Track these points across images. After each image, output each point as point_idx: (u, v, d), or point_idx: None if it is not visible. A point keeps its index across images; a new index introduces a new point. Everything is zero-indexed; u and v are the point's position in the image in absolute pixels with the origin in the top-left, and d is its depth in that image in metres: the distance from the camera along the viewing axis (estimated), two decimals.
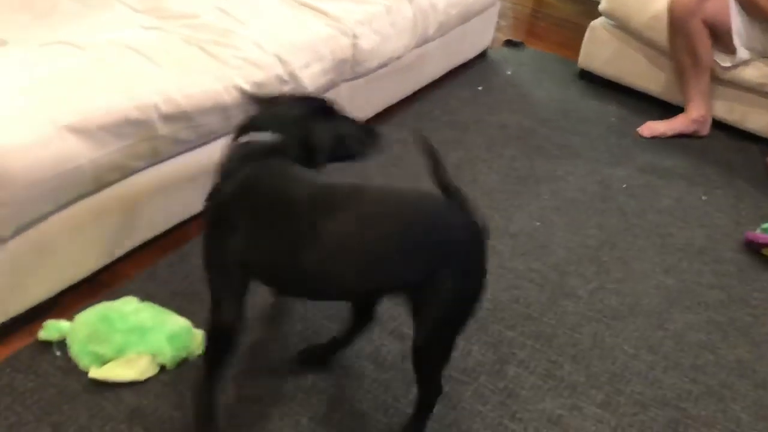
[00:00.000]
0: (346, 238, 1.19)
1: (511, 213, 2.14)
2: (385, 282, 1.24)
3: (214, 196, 1.29)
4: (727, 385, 1.67)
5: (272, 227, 1.21)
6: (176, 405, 1.43)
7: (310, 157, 1.32)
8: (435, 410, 1.48)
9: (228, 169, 1.29)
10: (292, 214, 1.21)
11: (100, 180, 1.54)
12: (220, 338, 1.29)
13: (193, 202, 1.85)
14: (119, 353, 1.45)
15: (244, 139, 1.33)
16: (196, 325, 1.58)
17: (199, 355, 1.53)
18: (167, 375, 1.49)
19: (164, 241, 1.83)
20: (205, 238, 1.29)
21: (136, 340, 1.47)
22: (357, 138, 1.40)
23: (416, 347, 1.27)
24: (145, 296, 1.63)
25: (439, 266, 1.20)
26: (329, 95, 2.13)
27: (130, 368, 1.45)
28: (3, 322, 1.52)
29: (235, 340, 1.29)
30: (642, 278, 1.97)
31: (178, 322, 1.55)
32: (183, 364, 1.51)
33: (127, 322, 1.49)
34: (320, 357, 1.56)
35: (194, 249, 1.80)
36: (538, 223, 2.11)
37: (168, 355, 1.48)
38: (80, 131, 1.45)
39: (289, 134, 1.31)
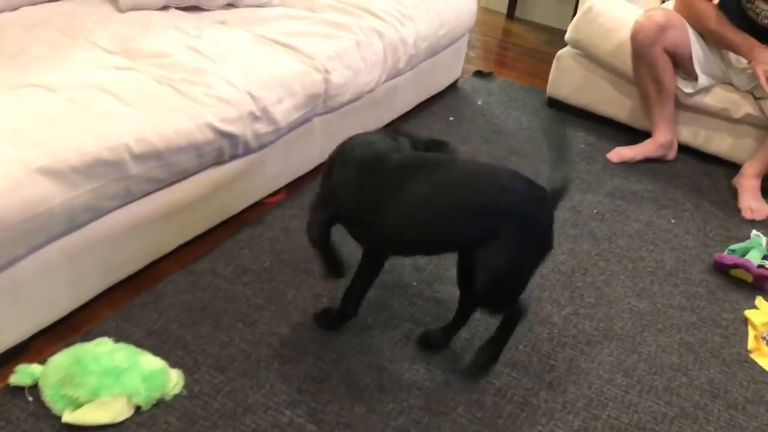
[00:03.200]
0: (421, 199, 1.45)
1: None
2: (450, 240, 1.50)
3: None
4: (701, 406, 1.69)
5: (363, 182, 1.50)
6: None
7: None
8: None
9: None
10: (380, 174, 1.49)
11: (72, 221, 1.54)
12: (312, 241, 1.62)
13: (168, 240, 1.87)
14: (93, 396, 1.44)
15: None
16: (172, 364, 1.58)
17: (175, 395, 1.53)
18: (142, 416, 1.48)
19: (138, 279, 1.82)
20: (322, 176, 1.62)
21: (110, 382, 1.46)
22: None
23: (476, 295, 1.55)
24: (120, 336, 1.63)
25: (499, 229, 1.44)
26: (303, 130, 2.17)
27: (104, 411, 1.44)
28: None
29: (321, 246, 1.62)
30: (615, 302, 2.00)
31: (153, 363, 1.54)
32: (158, 404, 1.50)
33: (101, 364, 1.48)
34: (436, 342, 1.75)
35: (168, 288, 1.81)
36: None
37: (143, 395, 1.47)
38: (52, 174, 1.45)
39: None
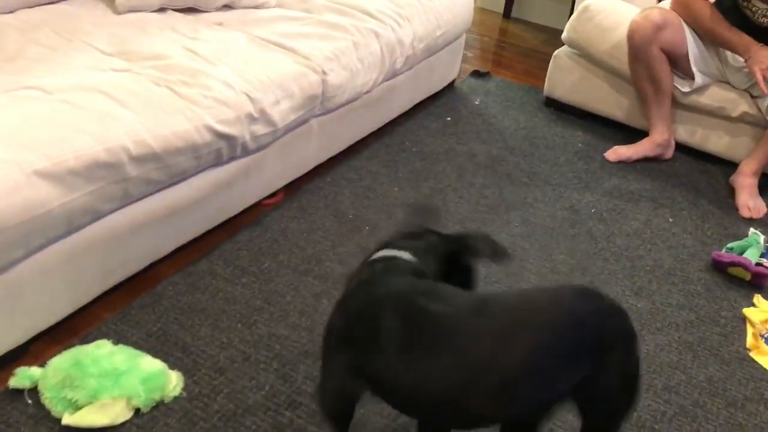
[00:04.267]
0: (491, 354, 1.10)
1: None
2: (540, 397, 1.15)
3: (347, 305, 1.24)
4: (700, 404, 1.69)
5: (421, 345, 1.11)
6: None
7: (451, 274, 1.30)
8: None
9: (363, 282, 1.24)
10: (441, 331, 1.12)
11: (71, 223, 1.53)
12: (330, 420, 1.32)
13: (166, 242, 1.87)
14: (93, 398, 1.44)
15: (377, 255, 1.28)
16: (171, 366, 1.57)
17: (175, 397, 1.52)
18: (141, 418, 1.47)
19: (137, 282, 1.82)
20: (329, 343, 1.24)
21: (110, 384, 1.46)
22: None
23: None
24: (119, 339, 1.63)
25: (598, 362, 1.14)
26: (300, 131, 2.17)
27: (104, 413, 1.43)
28: None
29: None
30: None
31: (152, 364, 1.54)
32: (158, 406, 1.50)
33: (101, 366, 1.48)
34: None
35: (167, 289, 1.81)
36: (510, 250, 2.14)
37: (142, 397, 1.47)
38: (49, 176, 1.45)
39: (431, 253, 1.28)
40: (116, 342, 1.60)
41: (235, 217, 2.08)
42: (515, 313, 1.14)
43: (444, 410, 1.14)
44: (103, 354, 1.52)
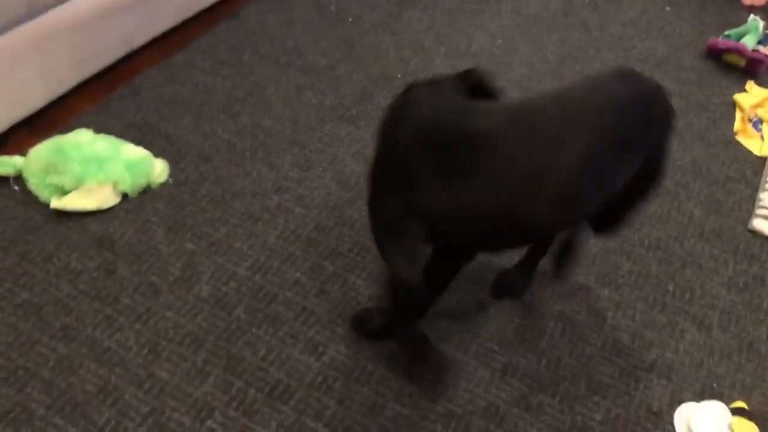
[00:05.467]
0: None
1: (471, 32, 2.08)
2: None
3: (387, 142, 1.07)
4: (682, 184, 1.72)
5: (462, 167, 1.00)
6: (141, 230, 1.44)
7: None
8: None
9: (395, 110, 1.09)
10: (480, 150, 1.00)
11: (32, 4, 1.45)
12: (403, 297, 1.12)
13: (139, 32, 1.79)
14: (78, 183, 1.44)
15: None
16: (155, 154, 1.56)
17: (161, 183, 1.53)
18: (130, 203, 1.49)
19: (114, 74, 1.76)
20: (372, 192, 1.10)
21: (94, 169, 1.45)
22: None
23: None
24: (99, 129, 1.60)
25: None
26: None
27: (91, 197, 1.44)
28: None
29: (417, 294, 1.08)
30: None
31: (135, 151, 1.53)
32: (145, 192, 1.51)
33: (83, 152, 1.46)
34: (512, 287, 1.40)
35: (145, 81, 1.77)
36: (499, 41, 2.07)
37: (128, 182, 1.47)
38: None
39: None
40: (97, 132, 1.57)
41: (211, 8, 1.98)
42: (558, 117, 1.02)
43: (500, 229, 1.04)
44: (84, 141, 1.50)
